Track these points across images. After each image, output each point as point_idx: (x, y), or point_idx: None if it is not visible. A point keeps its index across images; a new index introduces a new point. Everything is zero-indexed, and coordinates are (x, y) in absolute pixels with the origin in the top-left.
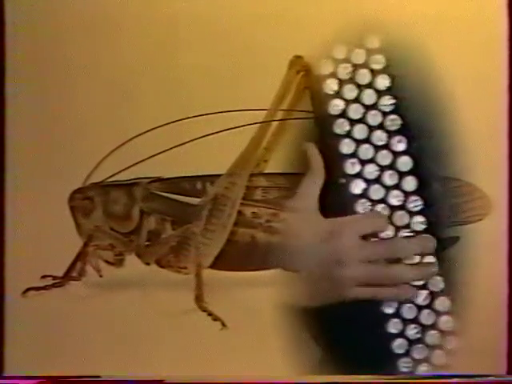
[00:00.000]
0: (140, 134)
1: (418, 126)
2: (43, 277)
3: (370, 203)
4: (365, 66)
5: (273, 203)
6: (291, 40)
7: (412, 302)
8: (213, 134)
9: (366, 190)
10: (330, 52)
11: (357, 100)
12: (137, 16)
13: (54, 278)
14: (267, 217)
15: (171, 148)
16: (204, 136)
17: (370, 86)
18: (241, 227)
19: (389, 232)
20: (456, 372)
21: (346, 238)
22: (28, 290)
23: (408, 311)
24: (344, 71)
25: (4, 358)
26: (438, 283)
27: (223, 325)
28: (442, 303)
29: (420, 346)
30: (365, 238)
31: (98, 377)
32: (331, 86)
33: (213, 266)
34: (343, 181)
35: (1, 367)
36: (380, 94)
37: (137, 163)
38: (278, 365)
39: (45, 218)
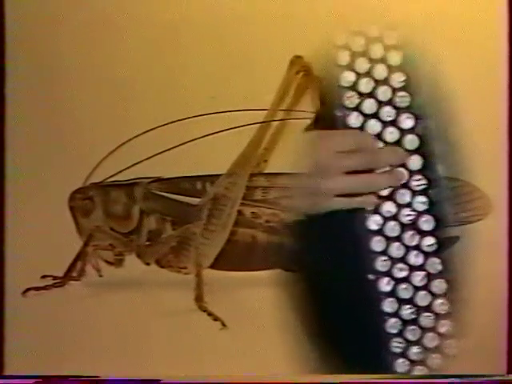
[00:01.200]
0: (140, 134)
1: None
2: (43, 277)
3: None
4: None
5: (273, 203)
6: (291, 40)
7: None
8: (213, 134)
9: None
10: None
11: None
12: (137, 16)
13: (54, 278)
14: (267, 217)
15: (171, 148)
16: (204, 136)
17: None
18: (241, 227)
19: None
20: (456, 372)
21: (325, 147)
22: (28, 289)
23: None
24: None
25: (4, 358)
26: (440, 285)
27: (223, 325)
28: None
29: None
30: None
31: (97, 377)
32: (344, 58)
33: (213, 266)
34: None
35: (1, 367)
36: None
37: (137, 163)
38: (278, 365)
39: (45, 218)
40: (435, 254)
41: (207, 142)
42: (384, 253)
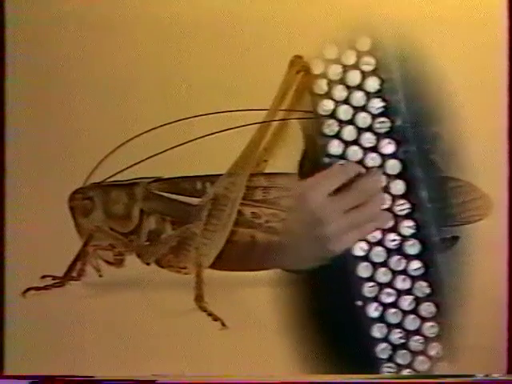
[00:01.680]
0: (140, 134)
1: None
2: (43, 277)
3: None
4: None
5: (273, 203)
6: (291, 40)
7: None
8: (213, 133)
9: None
10: (325, 52)
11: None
12: (137, 17)
13: (54, 278)
14: (267, 217)
15: (171, 148)
16: (204, 136)
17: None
18: (241, 227)
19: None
20: (455, 372)
21: (316, 196)
22: (28, 289)
23: (393, 316)
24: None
25: (4, 358)
26: (429, 308)
27: (223, 325)
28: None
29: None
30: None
31: (97, 377)
32: (321, 86)
33: (213, 266)
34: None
35: (1, 367)
36: (369, 95)
37: (137, 163)
38: (278, 365)
39: (45, 218)
40: (422, 277)
41: (207, 141)
42: (371, 278)
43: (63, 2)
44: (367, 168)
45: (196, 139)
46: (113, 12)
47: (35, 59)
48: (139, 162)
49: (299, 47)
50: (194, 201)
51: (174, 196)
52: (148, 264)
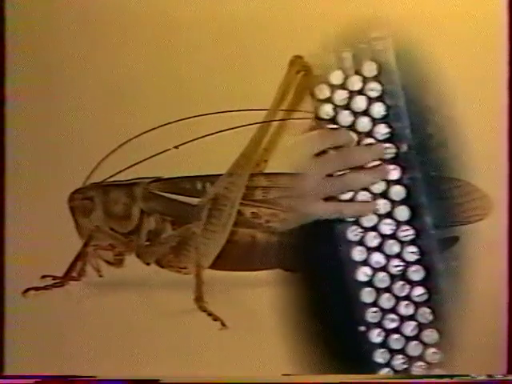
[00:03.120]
0: (140, 134)
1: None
2: (43, 277)
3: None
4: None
5: (273, 203)
6: (291, 40)
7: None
8: (213, 134)
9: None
10: (331, 77)
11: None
12: (137, 17)
13: (54, 278)
14: (267, 217)
15: (171, 148)
16: (204, 136)
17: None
18: (241, 227)
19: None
20: (455, 372)
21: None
22: (28, 289)
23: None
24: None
25: (4, 357)
26: (432, 335)
27: (223, 325)
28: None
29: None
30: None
31: (97, 377)
32: (328, 111)
33: (213, 266)
34: None
35: (1, 367)
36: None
37: (137, 163)
38: (278, 365)
39: (45, 218)
40: (425, 303)
41: (207, 141)
42: (374, 304)
43: (63, 1)
44: (359, 133)
45: (196, 139)
46: (113, 12)
47: (35, 59)
48: (139, 162)
49: (299, 47)
50: (194, 201)
51: (174, 196)
52: (148, 264)
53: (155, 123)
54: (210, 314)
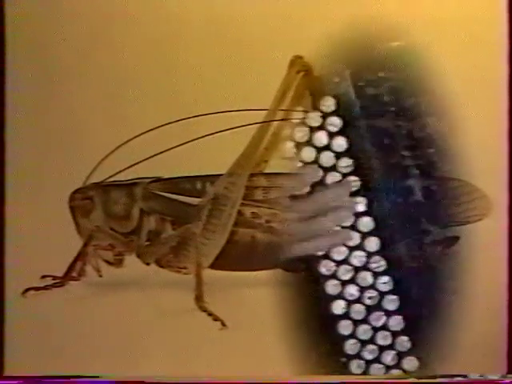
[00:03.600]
0: (140, 134)
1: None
2: (43, 277)
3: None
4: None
5: (273, 203)
6: (291, 40)
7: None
8: (213, 134)
9: None
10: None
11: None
12: (137, 16)
13: (54, 278)
14: (267, 217)
15: (171, 148)
16: (204, 136)
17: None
18: (241, 227)
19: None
20: (455, 372)
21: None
22: (28, 289)
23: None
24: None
25: (4, 357)
26: (411, 363)
27: (223, 325)
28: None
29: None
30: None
31: (97, 377)
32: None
33: (213, 266)
34: None
35: (1, 367)
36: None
37: (137, 163)
38: (278, 365)
39: (45, 218)
40: (403, 332)
41: (207, 141)
42: (352, 336)
43: (63, 1)
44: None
45: (196, 139)
46: (113, 12)
47: (35, 59)
48: (139, 162)
49: (299, 47)
50: (194, 201)
51: (174, 196)
52: (148, 264)
53: (155, 123)
54: (210, 314)
